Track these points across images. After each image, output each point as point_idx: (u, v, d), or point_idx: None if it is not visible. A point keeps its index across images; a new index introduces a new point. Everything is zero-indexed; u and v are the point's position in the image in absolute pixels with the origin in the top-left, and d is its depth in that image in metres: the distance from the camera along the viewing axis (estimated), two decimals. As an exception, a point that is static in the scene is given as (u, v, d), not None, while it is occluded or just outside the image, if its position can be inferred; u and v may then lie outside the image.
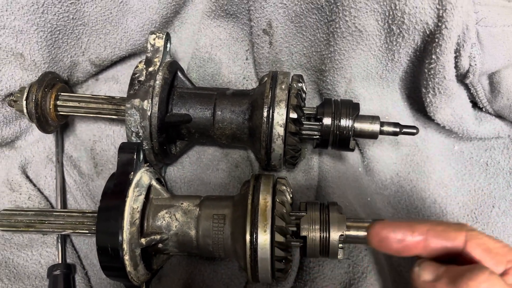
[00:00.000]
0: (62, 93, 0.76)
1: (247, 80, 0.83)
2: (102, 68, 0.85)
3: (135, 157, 0.66)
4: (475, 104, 0.77)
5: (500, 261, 0.48)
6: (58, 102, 0.75)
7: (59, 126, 0.80)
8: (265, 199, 0.63)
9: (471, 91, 0.73)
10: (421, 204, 0.78)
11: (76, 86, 0.87)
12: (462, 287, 0.45)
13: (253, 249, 0.61)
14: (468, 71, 0.66)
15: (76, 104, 0.75)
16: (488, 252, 0.49)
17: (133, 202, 0.64)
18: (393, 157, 0.80)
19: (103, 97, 0.76)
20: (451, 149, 0.82)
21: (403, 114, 0.80)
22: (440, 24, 0.61)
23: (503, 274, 0.48)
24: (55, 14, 0.73)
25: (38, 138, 0.83)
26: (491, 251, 0.49)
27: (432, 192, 0.79)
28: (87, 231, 0.69)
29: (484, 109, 0.76)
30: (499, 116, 0.76)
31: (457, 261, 0.50)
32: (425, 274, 0.50)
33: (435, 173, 0.79)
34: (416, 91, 0.77)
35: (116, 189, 0.65)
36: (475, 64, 0.64)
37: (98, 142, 0.83)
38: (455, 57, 0.64)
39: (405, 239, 0.51)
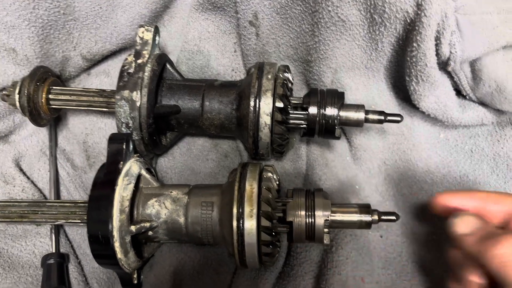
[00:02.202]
0: (54, 87, 0.78)
1: (235, 72, 0.84)
2: (94, 62, 0.87)
3: (124, 147, 0.68)
4: (458, 92, 0.78)
5: None
6: (50, 96, 0.77)
7: (52, 119, 0.82)
8: (251, 186, 0.65)
9: (454, 79, 0.74)
10: (408, 191, 0.80)
11: (69, 81, 0.88)
12: (489, 245, 0.50)
13: (239, 234, 0.63)
14: (449, 58, 0.67)
15: (68, 97, 0.77)
16: None
17: (122, 190, 0.65)
18: (380, 145, 0.82)
19: (94, 90, 0.77)
20: (436, 137, 0.83)
21: (389, 104, 0.82)
22: (419, 12, 0.62)
23: None
24: (46, 10, 0.75)
25: (32, 132, 0.85)
26: None
27: (418, 180, 0.80)
28: (79, 221, 0.70)
29: (467, 97, 0.77)
30: (482, 103, 0.77)
31: None
32: (461, 226, 0.55)
33: (421, 160, 0.81)
34: (401, 80, 0.79)
35: (106, 179, 0.66)
36: (456, 52, 0.66)
37: (90, 135, 0.84)
38: (436, 45, 0.66)
39: (465, 206, 0.58)
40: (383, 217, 0.66)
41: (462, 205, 0.58)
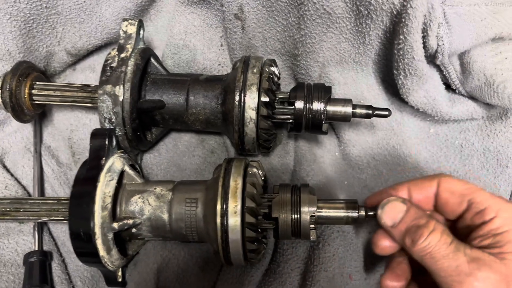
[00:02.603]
0: (37, 82, 0.76)
1: (222, 67, 0.83)
2: (79, 57, 0.85)
3: (107, 143, 0.67)
4: (448, 86, 0.77)
5: (462, 201, 0.58)
6: (33, 91, 0.75)
7: (36, 115, 0.81)
8: (235, 182, 0.64)
9: (444, 73, 0.73)
10: (398, 187, 0.79)
11: (54, 76, 0.87)
12: (412, 237, 0.55)
13: (224, 231, 0.62)
14: (436, 51, 0.66)
15: (51, 92, 0.76)
16: (452, 193, 0.58)
17: (104, 187, 0.64)
18: (370, 141, 0.81)
19: (78, 85, 0.76)
20: (426, 132, 0.82)
21: (379, 98, 0.81)
22: (405, 4, 0.61)
23: (464, 212, 0.58)
24: (27, 3, 0.73)
25: (16, 129, 0.83)
26: (455, 192, 0.58)
27: (408, 175, 0.79)
28: (63, 218, 0.69)
29: (457, 91, 0.76)
30: (472, 97, 0.76)
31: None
32: (386, 219, 0.59)
33: (411, 156, 0.80)
34: (390, 75, 0.78)
35: (88, 175, 0.65)
36: (443, 44, 0.65)
37: (75, 131, 0.83)
38: (423, 37, 0.65)
39: None
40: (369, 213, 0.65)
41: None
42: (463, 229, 0.59)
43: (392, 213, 0.58)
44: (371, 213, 0.64)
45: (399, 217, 0.58)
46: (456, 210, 0.59)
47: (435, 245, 0.53)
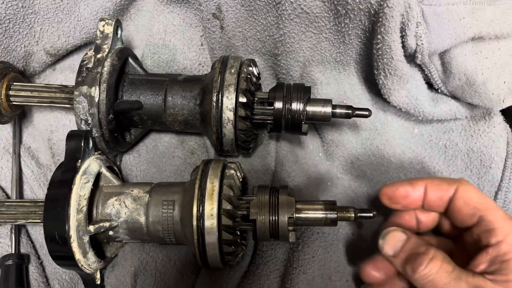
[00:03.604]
0: (14, 83, 0.75)
1: (202, 66, 0.82)
2: (58, 57, 0.84)
3: (82, 144, 0.66)
4: (431, 86, 0.76)
5: (474, 214, 0.57)
6: (11, 92, 0.74)
7: (14, 116, 0.80)
8: (212, 183, 0.63)
9: (425, 72, 0.73)
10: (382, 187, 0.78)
11: (34, 77, 0.86)
12: (412, 266, 0.55)
13: (200, 234, 0.61)
14: (416, 50, 0.65)
15: (29, 93, 0.75)
16: (467, 203, 0.58)
17: (80, 189, 0.63)
18: (353, 141, 0.80)
19: (56, 86, 0.75)
20: (411, 132, 0.81)
21: (362, 98, 0.80)
22: (382, 3, 0.60)
23: (473, 226, 0.57)
24: (3, 3, 0.73)
25: (-5, 130, 0.82)
26: (470, 203, 0.58)
27: (392, 176, 0.78)
28: (39, 220, 0.68)
29: (439, 90, 0.75)
30: (455, 97, 0.75)
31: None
32: (387, 248, 0.59)
33: (395, 156, 0.79)
34: (372, 74, 0.77)
35: (63, 177, 0.64)
36: (422, 44, 0.64)
37: (55, 132, 0.82)
38: (402, 37, 0.64)
39: (408, 194, 0.61)
40: (360, 214, 0.64)
41: (406, 193, 0.62)
42: (468, 243, 0.59)
43: (393, 242, 0.59)
44: (361, 214, 0.64)
45: (399, 246, 0.58)
46: (466, 221, 0.59)
47: (436, 273, 0.53)
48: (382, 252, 0.60)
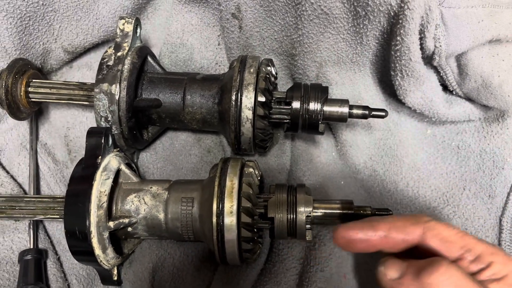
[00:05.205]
0: (33, 80, 0.76)
1: (219, 66, 0.83)
2: (76, 55, 0.85)
3: (103, 141, 0.67)
4: (445, 87, 0.77)
5: (454, 248, 0.53)
6: (30, 89, 0.75)
7: (32, 113, 0.80)
8: (231, 181, 0.64)
9: (441, 74, 0.73)
10: (394, 187, 0.79)
11: (51, 74, 0.87)
12: (425, 280, 0.49)
13: (219, 231, 0.62)
14: (433, 52, 0.66)
15: (48, 90, 0.75)
16: (443, 241, 0.53)
17: (100, 185, 0.64)
18: (366, 141, 0.81)
19: (74, 83, 0.76)
20: (424, 133, 0.82)
21: (376, 99, 0.80)
22: (402, 5, 0.61)
23: (457, 260, 0.52)
24: (24, 0, 0.73)
25: (12, 126, 0.83)
26: (446, 239, 0.53)
27: (404, 176, 0.79)
28: (58, 216, 0.69)
29: (454, 92, 0.76)
30: (469, 99, 0.76)
31: (419, 252, 0.54)
32: (391, 272, 0.54)
33: (408, 156, 0.80)
34: (387, 75, 0.77)
35: (83, 173, 0.65)
36: (440, 46, 0.65)
37: (71, 129, 0.83)
38: (420, 39, 0.64)
39: (368, 238, 0.55)
40: (376, 213, 0.65)
41: (366, 237, 0.55)
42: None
43: (396, 265, 0.54)
44: (380, 213, 0.65)
45: (404, 265, 0.53)
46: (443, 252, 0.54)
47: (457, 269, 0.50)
48: (384, 280, 0.54)
